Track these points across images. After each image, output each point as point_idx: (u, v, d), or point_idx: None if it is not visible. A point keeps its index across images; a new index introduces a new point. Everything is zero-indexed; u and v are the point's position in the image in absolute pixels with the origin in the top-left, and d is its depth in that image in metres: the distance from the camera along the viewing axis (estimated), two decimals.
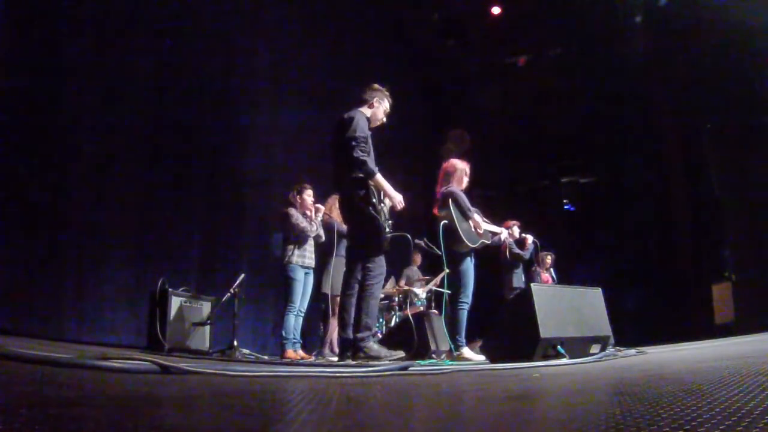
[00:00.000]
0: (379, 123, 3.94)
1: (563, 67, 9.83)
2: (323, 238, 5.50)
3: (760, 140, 7.04)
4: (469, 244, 4.46)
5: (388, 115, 4.01)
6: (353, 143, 3.53)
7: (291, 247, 5.35)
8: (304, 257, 5.40)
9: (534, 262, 7.11)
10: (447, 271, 4.65)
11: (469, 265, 4.57)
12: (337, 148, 3.70)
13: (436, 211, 4.65)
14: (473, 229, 4.58)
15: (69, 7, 4.82)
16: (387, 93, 3.99)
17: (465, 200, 4.60)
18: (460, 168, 4.74)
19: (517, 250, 6.76)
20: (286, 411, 1.18)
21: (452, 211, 4.47)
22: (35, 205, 4.45)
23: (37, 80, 4.54)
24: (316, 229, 5.42)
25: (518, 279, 6.94)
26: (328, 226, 5.49)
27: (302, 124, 7.37)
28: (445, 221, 4.46)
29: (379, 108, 3.92)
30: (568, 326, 3.67)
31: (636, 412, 1.03)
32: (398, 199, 3.70)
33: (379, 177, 3.60)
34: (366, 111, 3.84)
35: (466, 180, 4.77)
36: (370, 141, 3.65)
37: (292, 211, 5.40)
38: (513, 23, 9.25)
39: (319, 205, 5.46)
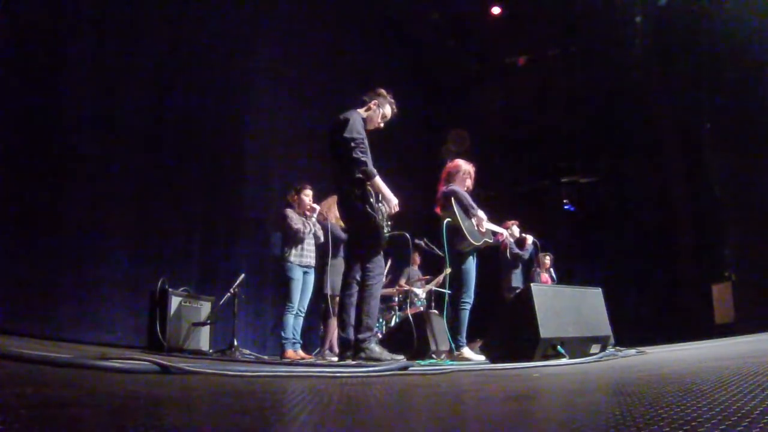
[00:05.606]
0: (375, 127, 3.92)
1: (563, 67, 9.83)
2: (321, 239, 5.49)
3: (760, 140, 7.04)
4: (472, 242, 4.45)
5: (387, 122, 4.00)
6: (352, 144, 3.53)
7: (288, 246, 5.35)
8: (302, 256, 5.39)
9: (534, 263, 7.12)
10: (449, 270, 4.64)
11: (471, 265, 4.55)
12: (334, 149, 3.70)
13: (438, 210, 4.64)
14: (476, 228, 4.57)
15: (69, 7, 4.82)
16: (391, 100, 3.97)
17: (468, 198, 4.58)
18: (464, 169, 4.72)
19: (516, 250, 6.77)
20: (286, 411, 1.17)
21: (455, 209, 4.46)
22: (35, 205, 4.45)
23: (37, 80, 4.53)
24: (310, 230, 5.40)
25: (517, 279, 6.95)
26: (323, 226, 5.49)
27: (302, 124, 7.38)
28: (448, 220, 4.45)
29: (376, 111, 3.90)
30: (568, 326, 3.67)
31: (636, 412, 1.02)
32: (393, 203, 3.68)
33: (377, 179, 3.60)
34: (363, 112, 3.83)
35: (469, 182, 4.75)
36: (366, 142, 3.65)
37: (289, 211, 5.40)
38: (513, 23, 9.26)
39: (315, 205, 5.45)
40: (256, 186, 6.89)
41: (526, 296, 3.66)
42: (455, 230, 4.43)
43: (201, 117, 6.20)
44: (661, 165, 9.51)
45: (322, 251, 5.51)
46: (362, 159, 3.53)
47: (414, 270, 7.20)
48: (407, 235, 4.72)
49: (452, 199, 4.50)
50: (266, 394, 1.54)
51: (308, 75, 7.62)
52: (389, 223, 3.72)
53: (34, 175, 4.43)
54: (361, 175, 3.54)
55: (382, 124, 3.96)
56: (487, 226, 4.74)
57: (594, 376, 2.34)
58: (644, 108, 9.30)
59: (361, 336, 3.50)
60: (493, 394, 1.68)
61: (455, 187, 4.60)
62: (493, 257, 6.49)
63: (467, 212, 4.53)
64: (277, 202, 6.20)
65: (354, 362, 3.39)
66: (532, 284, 3.90)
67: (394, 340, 4.90)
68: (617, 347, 4.47)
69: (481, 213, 4.64)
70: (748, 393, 1.21)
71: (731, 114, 7.54)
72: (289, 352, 5.17)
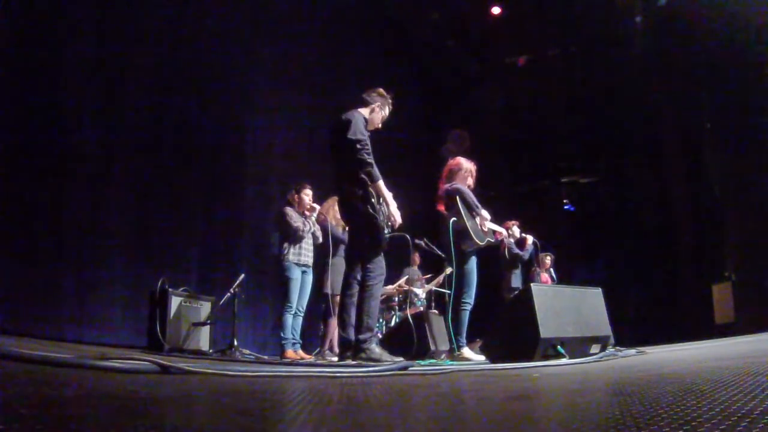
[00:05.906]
0: (375, 128, 3.92)
1: (563, 67, 9.83)
2: (320, 240, 5.48)
3: (759, 140, 7.04)
4: (477, 242, 4.41)
5: (385, 122, 4.00)
6: (358, 146, 3.53)
7: (287, 245, 5.35)
8: (300, 255, 5.38)
9: (534, 263, 7.11)
10: (450, 270, 4.62)
11: (473, 265, 4.52)
12: (336, 149, 3.70)
13: (441, 208, 4.56)
14: (479, 227, 4.55)
15: (69, 7, 4.82)
16: (390, 101, 3.98)
17: (472, 197, 4.53)
18: (466, 167, 4.67)
19: (516, 250, 6.77)
20: (286, 411, 1.18)
21: (460, 208, 4.41)
22: (35, 205, 4.45)
23: (37, 80, 4.53)
24: (309, 228, 5.40)
25: (517, 279, 6.95)
26: (322, 227, 5.48)
27: (302, 124, 7.37)
28: (454, 219, 4.39)
29: (378, 113, 3.90)
30: (568, 326, 3.67)
31: (636, 412, 1.03)
32: (396, 215, 3.66)
33: (380, 183, 3.60)
34: (365, 113, 3.82)
35: (470, 180, 4.69)
36: (369, 143, 3.65)
37: (288, 210, 5.40)
38: (513, 23, 9.25)
39: (314, 205, 5.45)
40: (256, 186, 6.88)
41: (526, 296, 3.66)
42: (461, 230, 4.37)
43: (201, 117, 6.20)
44: (661, 165, 9.52)
45: (321, 252, 5.50)
46: (368, 160, 3.54)
47: (414, 270, 7.19)
48: (407, 235, 4.71)
49: (457, 197, 4.46)
50: (266, 394, 1.54)
51: (308, 75, 7.62)
52: (390, 223, 3.72)
53: (34, 176, 4.43)
54: (365, 176, 3.54)
55: (380, 126, 3.97)
56: (489, 225, 4.72)
57: (594, 376, 2.34)
58: (644, 108, 9.30)
59: (361, 336, 3.50)
60: (493, 394, 1.68)
61: (460, 185, 4.54)
62: (492, 257, 6.48)
63: (472, 211, 4.49)
64: (277, 202, 6.20)
65: (354, 362, 3.39)
66: (532, 284, 3.90)
67: (394, 341, 4.90)
68: (617, 347, 4.46)
69: (484, 212, 4.61)
70: (748, 393, 1.21)
71: (731, 114, 7.53)
72: (289, 352, 5.17)
